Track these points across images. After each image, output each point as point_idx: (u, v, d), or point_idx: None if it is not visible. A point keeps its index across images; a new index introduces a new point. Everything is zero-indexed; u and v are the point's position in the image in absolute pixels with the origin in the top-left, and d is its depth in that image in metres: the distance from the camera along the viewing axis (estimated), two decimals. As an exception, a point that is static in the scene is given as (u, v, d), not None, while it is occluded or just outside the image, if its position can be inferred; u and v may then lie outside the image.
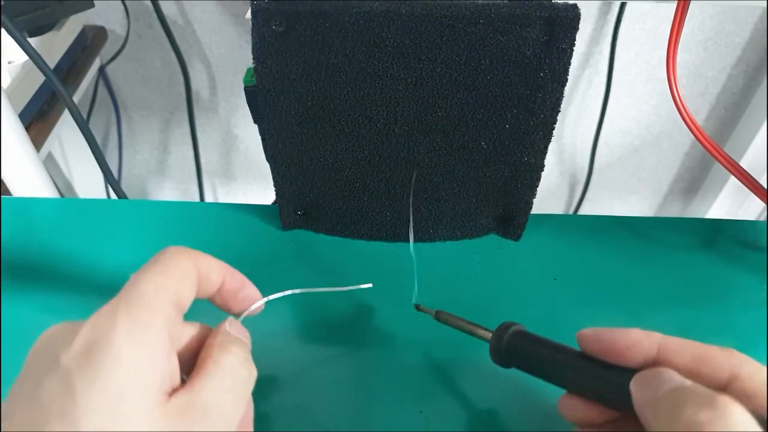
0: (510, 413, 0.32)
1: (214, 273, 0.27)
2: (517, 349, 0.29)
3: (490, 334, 0.30)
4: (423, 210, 0.40)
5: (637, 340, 0.24)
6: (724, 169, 0.39)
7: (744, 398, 0.22)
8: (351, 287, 0.34)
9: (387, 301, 0.36)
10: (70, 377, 0.20)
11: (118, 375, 0.20)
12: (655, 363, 0.24)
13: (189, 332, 0.26)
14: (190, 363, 0.25)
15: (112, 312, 0.22)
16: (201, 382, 0.23)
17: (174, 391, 0.22)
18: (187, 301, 0.25)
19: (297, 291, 0.32)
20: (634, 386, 0.24)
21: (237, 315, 0.29)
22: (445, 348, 0.34)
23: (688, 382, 0.22)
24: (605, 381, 0.25)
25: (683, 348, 0.24)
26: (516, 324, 0.29)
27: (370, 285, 0.34)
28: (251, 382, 0.25)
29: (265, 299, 0.30)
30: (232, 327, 0.27)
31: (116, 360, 0.21)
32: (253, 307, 0.29)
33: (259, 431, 0.26)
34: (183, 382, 0.23)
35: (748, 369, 0.23)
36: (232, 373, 0.24)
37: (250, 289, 0.29)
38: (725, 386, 0.23)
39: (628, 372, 0.24)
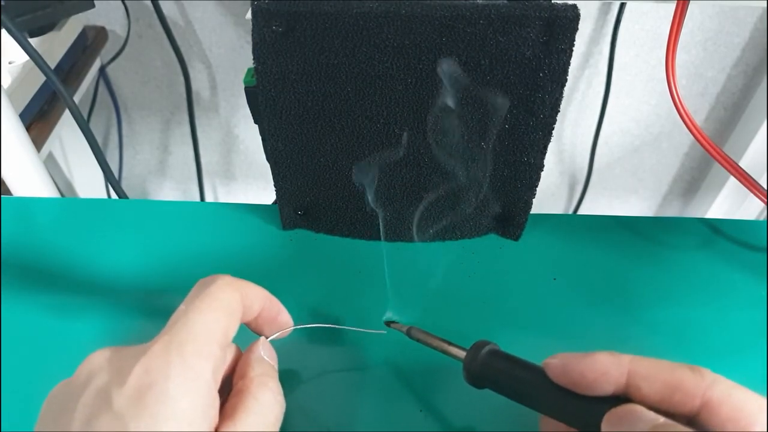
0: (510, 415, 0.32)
1: (256, 303, 0.28)
2: (490, 372, 0.27)
3: (464, 353, 0.28)
4: (423, 210, 0.40)
5: (606, 372, 0.24)
6: (724, 170, 0.39)
7: (717, 425, 0.22)
8: (366, 330, 0.34)
9: (387, 300, 0.36)
10: (125, 422, 0.21)
11: (173, 426, 0.21)
12: (625, 390, 0.24)
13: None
14: (223, 384, 0.26)
15: (165, 354, 0.22)
16: (243, 420, 0.24)
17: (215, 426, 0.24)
18: (231, 338, 0.26)
19: (325, 326, 0.34)
20: (606, 426, 0.23)
21: (265, 336, 0.30)
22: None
23: (661, 419, 0.22)
24: (577, 414, 0.25)
25: (653, 374, 0.23)
26: (490, 343, 0.28)
27: (384, 332, 0.34)
28: (282, 416, 0.26)
29: (294, 327, 0.31)
30: (264, 350, 0.28)
31: (172, 413, 0.21)
32: (283, 333, 0.30)
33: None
34: None
35: (719, 392, 0.22)
36: (270, 410, 0.25)
37: (284, 316, 0.30)
38: (698, 412, 0.23)
39: (600, 403, 0.24)
